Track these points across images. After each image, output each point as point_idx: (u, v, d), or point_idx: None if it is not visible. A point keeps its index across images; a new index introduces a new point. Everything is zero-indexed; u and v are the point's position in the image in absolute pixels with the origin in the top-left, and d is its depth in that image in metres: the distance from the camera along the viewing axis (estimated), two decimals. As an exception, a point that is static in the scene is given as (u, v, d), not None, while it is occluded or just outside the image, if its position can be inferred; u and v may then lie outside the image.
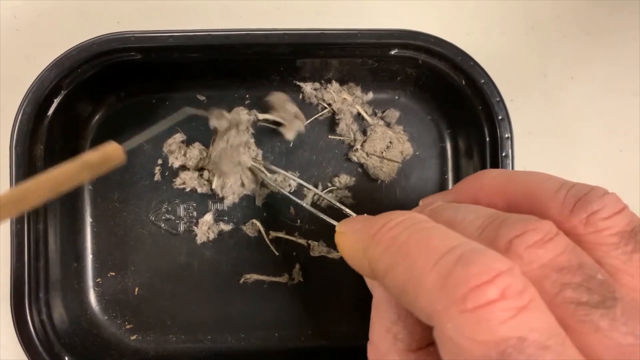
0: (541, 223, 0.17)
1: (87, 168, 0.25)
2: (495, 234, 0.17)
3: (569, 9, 0.40)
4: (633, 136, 0.39)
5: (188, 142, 0.36)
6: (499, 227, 0.17)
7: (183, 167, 0.35)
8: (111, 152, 0.26)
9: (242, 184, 0.34)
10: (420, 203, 0.26)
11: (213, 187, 0.35)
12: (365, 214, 0.23)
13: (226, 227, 0.35)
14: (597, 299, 0.15)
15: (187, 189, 0.35)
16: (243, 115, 0.34)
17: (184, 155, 0.35)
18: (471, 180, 0.24)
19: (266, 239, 0.35)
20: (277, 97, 0.35)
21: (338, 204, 0.30)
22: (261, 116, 0.35)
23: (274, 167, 0.34)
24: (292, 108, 0.35)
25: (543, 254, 0.16)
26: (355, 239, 0.20)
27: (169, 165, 0.35)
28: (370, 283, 0.22)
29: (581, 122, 0.39)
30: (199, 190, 0.35)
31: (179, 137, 0.35)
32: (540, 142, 0.39)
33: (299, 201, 0.33)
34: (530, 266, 0.16)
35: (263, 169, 0.34)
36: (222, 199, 0.35)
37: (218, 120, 0.33)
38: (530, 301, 0.14)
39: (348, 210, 0.28)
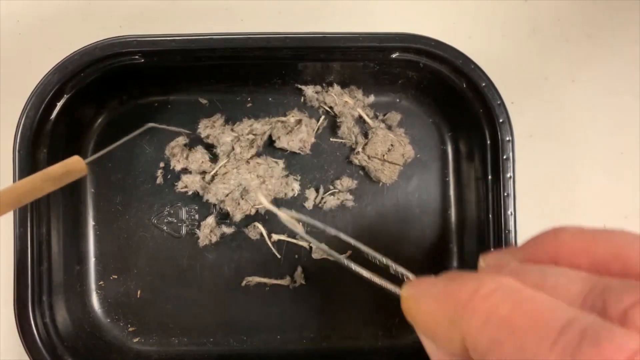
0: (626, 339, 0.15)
1: (49, 179, 0.26)
2: (603, 302, 0.15)
3: (569, 12, 0.40)
4: (634, 138, 0.39)
5: (190, 146, 0.36)
6: (605, 294, 0.15)
7: (185, 170, 0.35)
8: (73, 165, 0.28)
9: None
10: (481, 261, 0.22)
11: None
12: (431, 276, 0.19)
13: (228, 230, 0.36)
14: None
15: (189, 192, 0.35)
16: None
17: (186, 158, 0.35)
18: (546, 238, 0.21)
19: (268, 242, 0.36)
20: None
21: (389, 262, 0.22)
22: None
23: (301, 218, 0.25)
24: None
25: None
26: (438, 307, 0.17)
27: (171, 168, 0.35)
28: (431, 349, 0.19)
29: (582, 124, 0.39)
30: (201, 193, 0.35)
31: (181, 140, 0.35)
32: (541, 144, 0.39)
33: (340, 258, 0.23)
34: None
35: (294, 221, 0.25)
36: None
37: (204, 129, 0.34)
38: None
39: (402, 269, 0.21)
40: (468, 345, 0.16)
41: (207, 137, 0.35)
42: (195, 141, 0.36)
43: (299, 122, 0.35)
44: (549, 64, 0.39)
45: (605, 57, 0.40)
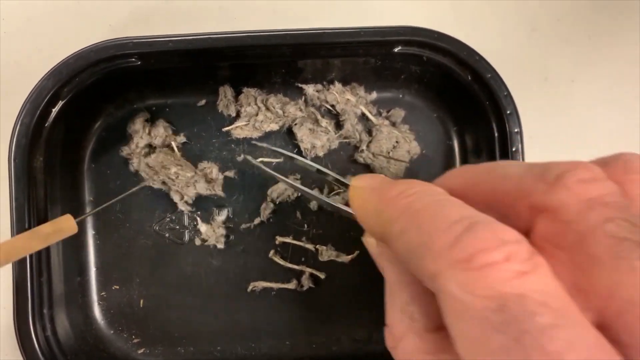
0: (592, 165, 0.17)
1: (38, 238, 0.28)
2: (544, 169, 0.17)
3: (569, 12, 0.39)
4: (635, 139, 0.38)
5: (152, 121, 0.35)
6: (548, 164, 0.17)
7: (150, 146, 0.35)
8: (62, 223, 0.29)
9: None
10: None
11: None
12: (382, 175, 0.23)
13: (232, 234, 0.35)
14: (639, 238, 0.15)
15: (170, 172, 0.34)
16: None
17: (149, 134, 0.34)
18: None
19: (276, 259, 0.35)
20: None
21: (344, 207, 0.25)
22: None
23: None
24: None
25: (593, 190, 0.16)
26: (371, 198, 0.20)
27: (135, 145, 0.34)
28: (381, 264, 0.22)
29: (582, 126, 0.39)
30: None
31: (142, 115, 0.35)
32: (542, 146, 0.38)
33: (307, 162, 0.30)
34: (577, 197, 0.16)
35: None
36: (224, 206, 0.35)
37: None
38: (535, 267, 0.15)
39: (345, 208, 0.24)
40: (384, 233, 0.19)
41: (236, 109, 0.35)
42: (156, 116, 0.35)
43: (327, 132, 0.34)
44: (549, 65, 0.39)
45: (605, 57, 0.39)
